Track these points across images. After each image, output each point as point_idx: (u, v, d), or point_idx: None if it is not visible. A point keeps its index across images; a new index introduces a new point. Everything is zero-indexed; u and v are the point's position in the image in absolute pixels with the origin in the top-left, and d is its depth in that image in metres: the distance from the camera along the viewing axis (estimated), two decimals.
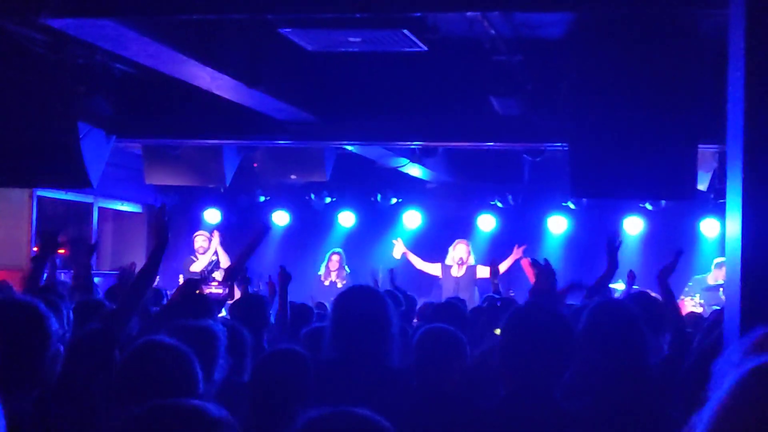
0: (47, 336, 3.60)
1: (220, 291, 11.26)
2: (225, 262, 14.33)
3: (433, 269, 14.80)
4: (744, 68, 2.91)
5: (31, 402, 3.47)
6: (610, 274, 7.14)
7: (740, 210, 2.89)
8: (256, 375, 4.38)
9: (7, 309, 3.74)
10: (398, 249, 15.23)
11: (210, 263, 14.63)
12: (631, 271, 9.50)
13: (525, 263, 12.85)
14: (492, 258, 11.61)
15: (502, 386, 3.93)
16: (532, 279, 5.62)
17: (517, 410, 3.80)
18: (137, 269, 5.73)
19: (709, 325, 6.28)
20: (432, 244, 15.89)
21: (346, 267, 15.37)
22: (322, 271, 15.21)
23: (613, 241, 6.96)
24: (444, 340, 4.88)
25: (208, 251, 14.99)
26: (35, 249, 11.75)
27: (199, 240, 15.25)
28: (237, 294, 8.80)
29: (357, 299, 4.64)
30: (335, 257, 15.40)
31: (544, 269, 5.47)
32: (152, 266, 5.37)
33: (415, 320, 8.89)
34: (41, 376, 3.57)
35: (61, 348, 3.91)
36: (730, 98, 3.10)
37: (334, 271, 15.15)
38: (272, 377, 4.26)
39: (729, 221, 3.08)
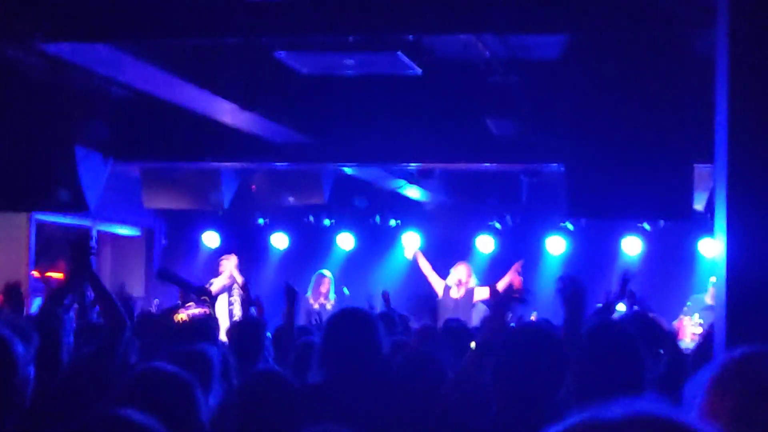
0: (12, 362, 3.42)
1: (198, 311, 11.24)
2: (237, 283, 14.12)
3: (437, 283, 14.46)
4: (728, 91, 2.93)
5: (9, 426, 3.39)
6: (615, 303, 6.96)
7: (725, 230, 2.91)
8: (240, 398, 4.35)
9: None
10: (410, 249, 15.23)
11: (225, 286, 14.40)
12: (630, 291, 9.37)
13: (516, 279, 12.67)
14: (491, 282, 11.47)
15: (494, 404, 3.93)
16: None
17: (509, 428, 3.78)
18: (130, 291, 5.68)
19: (701, 343, 6.25)
20: (431, 265, 15.78)
21: (345, 289, 15.10)
22: (309, 293, 14.95)
23: (626, 276, 6.70)
24: (423, 366, 4.92)
25: (222, 274, 14.65)
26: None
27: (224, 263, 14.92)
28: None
29: (348, 322, 4.64)
30: (325, 279, 15.01)
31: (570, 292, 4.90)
32: (71, 286, 5.39)
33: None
34: (13, 401, 3.42)
35: (32, 371, 3.80)
36: (717, 121, 3.13)
37: (324, 293, 14.77)
38: (254, 399, 4.22)
39: (716, 241, 3.11)
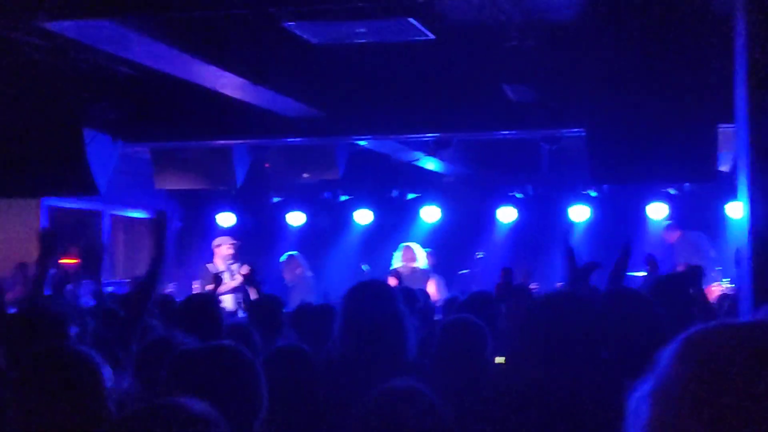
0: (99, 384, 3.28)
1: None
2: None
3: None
4: (746, 50, 2.91)
5: None
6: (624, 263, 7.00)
7: (747, 192, 2.89)
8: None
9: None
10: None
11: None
12: (651, 256, 9.37)
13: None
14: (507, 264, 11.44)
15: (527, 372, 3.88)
16: None
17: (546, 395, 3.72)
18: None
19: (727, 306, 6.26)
20: (452, 239, 15.87)
21: (364, 266, 14.88)
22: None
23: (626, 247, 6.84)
24: (468, 331, 4.94)
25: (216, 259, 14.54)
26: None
27: (222, 249, 14.69)
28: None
29: (367, 295, 4.63)
30: (293, 260, 15.21)
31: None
32: (153, 275, 5.32)
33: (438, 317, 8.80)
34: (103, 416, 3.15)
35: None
36: (736, 80, 3.11)
37: (294, 272, 15.00)
38: (278, 375, 3.99)
39: (739, 202, 3.08)
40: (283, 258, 15.25)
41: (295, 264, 15.08)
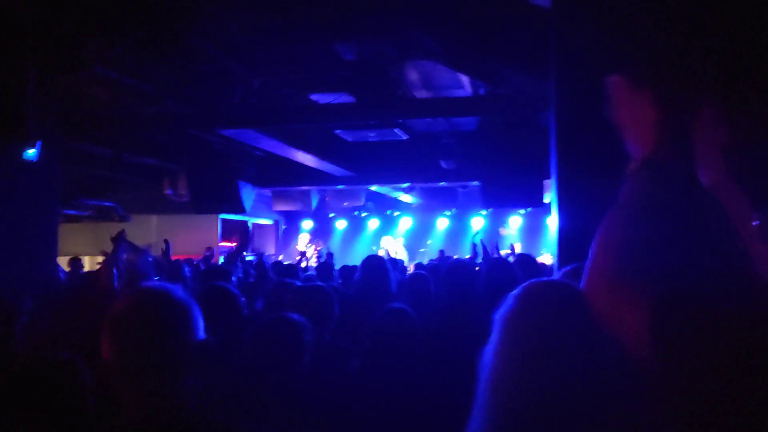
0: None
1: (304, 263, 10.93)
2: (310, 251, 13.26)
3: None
4: (556, 145, 2.90)
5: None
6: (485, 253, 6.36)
7: (558, 213, 2.88)
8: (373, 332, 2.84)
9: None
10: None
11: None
12: (512, 245, 9.26)
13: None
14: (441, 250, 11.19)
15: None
16: None
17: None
18: (266, 253, 5.38)
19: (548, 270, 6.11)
20: (416, 235, 15.51)
21: (374, 247, 14.63)
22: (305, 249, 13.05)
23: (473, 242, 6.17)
24: (420, 279, 4.34)
25: (300, 242, 14.16)
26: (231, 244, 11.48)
27: (302, 239, 14.45)
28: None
29: (371, 260, 4.24)
30: (312, 247, 13.42)
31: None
32: (239, 250, 5.09)
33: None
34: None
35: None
36: (551, 157, 3.10)
37: (312, 256, 12.96)
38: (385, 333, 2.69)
39: (553, 218, 3.07)
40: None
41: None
